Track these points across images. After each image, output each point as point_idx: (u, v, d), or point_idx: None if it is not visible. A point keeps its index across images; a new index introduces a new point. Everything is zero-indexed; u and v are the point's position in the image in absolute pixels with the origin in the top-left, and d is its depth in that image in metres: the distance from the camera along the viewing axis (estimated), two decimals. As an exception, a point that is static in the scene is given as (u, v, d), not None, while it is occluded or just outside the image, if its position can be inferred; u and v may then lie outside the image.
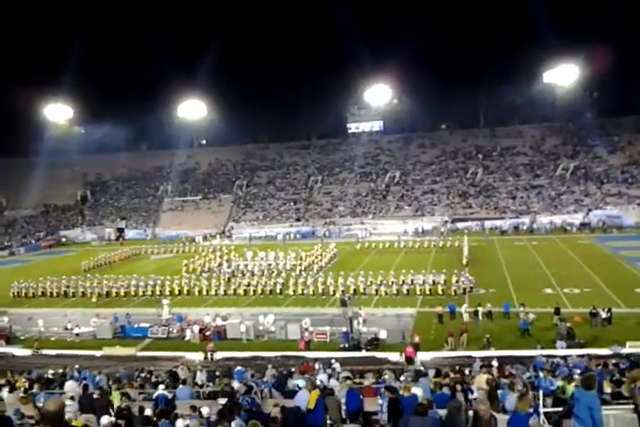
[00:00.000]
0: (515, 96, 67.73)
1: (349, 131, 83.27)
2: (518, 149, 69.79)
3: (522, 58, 64.19)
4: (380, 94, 77.08)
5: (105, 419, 8.19)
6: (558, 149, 67.76)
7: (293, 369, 17.65)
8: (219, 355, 23.49)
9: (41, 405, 8.43)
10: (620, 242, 44.46)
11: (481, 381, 12.68)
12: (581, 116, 69.21)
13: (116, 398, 11.43)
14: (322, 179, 72.80)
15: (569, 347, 21.44)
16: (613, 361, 16.69)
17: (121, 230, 67.80)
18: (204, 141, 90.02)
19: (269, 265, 39.70)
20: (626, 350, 20.28)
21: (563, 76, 69.98)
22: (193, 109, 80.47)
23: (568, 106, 68.59)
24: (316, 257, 41.59)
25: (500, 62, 67.01)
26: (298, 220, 64.06)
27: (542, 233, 51.58)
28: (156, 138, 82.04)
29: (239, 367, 18.33)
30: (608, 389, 10.47)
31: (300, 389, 10.91)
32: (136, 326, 27.35)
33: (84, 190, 79.32)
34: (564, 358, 18.64)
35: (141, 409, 9.92)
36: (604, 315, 24.45)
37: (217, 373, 17.81)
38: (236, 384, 13.49)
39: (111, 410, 10.10)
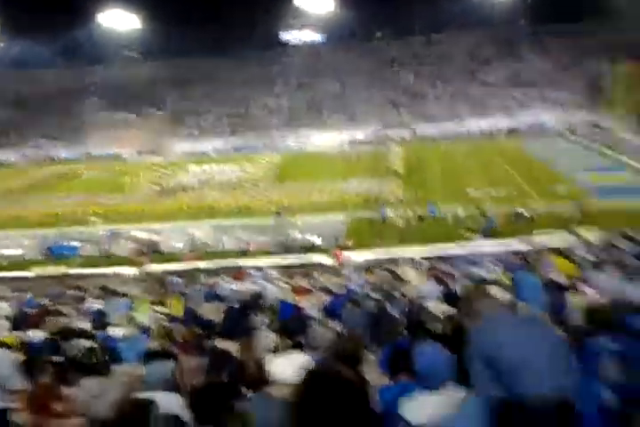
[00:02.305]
0: (449, 2, 66.37)
1: (285, 41, 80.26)
2: (452, 56, 69.32)
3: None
4: (318, 2, 73.92)
5: (36, 333, 8.05)
6: (490, 56, 67.72)
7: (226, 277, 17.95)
8: (154, 268, 23.59)
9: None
10: (543, 144, 45.72)
11: (407, 272, 13.32)
12: (515, 23, 68.97)
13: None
14: (256, 92, 70.76)
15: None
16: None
17: (48, 150, 64.85)
18: (131, 54, 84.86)
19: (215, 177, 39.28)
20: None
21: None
22: (119, 21, 74.97)
23: (503, 12, 67.86)
24: (268, 168, 41.67)
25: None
26: (233, 134, 62.84)
27: (469, 138, 52.43)
28: (81, 51, 76.64)
29: (176, 278, 18.53)
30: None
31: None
32: (66, 244, 26.91)
33: (5, 110, 74.43)
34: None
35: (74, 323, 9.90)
36: (526, 214, 25.73)
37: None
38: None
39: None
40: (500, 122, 55.32)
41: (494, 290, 3.79)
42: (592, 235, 18.60)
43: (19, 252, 26.87)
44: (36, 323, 10.08)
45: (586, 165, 35.94)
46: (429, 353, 3.07)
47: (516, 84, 61.70)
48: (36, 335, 8.15)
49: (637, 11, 54.57)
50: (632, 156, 36.58)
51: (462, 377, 2.63)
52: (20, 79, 75.28)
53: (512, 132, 53.31)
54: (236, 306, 9.30)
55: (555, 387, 1.90)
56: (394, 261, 21.11)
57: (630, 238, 14.06)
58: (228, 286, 14.00)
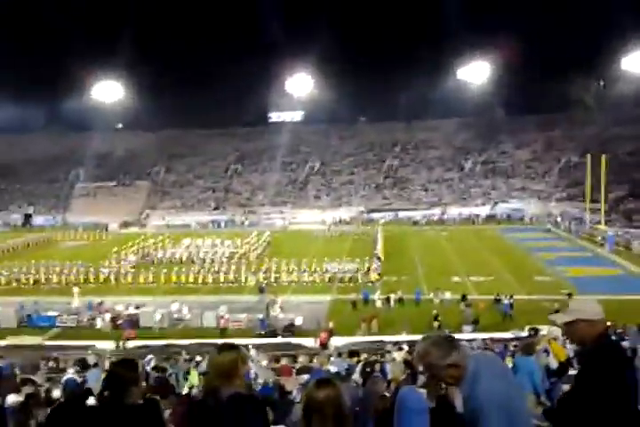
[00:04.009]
0: (430, 91, 69.78)
1: (270, 120, 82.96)
2: (432, 143, 72.24)
3: (437, 53, 66.35)
4: (301, 84, 77.14)
5: (11, 397, 8.01)
6: (469, 144, 70.77)
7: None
8: (130, 344, 23.11)
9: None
10: (522, 233, 47.29)
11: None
12: (491, 113, 72.25)
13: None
14: (242, 167, 72.35)
15: (473, 331, 22.73)
16: (513, 343, 17.88)
17: (28, 216, 64.61)
18: (120, 125, 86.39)
19: (206, 253, 39.20)
20: (524, 334, 21.72)
21: (475, 73, 72.92)
22: (110, 91, 77.01)
23: (480, 102, 71.39)
24: (252, 245, 41.80)
25: (416, 57, 68.64)
26: (216, 208, 63.49)
27: (451, 224, 53.89)
28: (70, 120, 77.53)
29: (150, 356, 18.17)
30: (510, 364, 11.32)
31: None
32: (43, 314, 26.37)
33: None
34: (469, 341, 19.75)
35: (48, 391, 9.77)
36: (506, 302, 26.02)
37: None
38: (148, 368, 13.46)
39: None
40: (481, 210, 57.01)
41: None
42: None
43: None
44: (7, 389, 9.96)
45: (565, 256, 37.03)
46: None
47: (494, 173, 64.14)
48: (10, 400, 8.15)
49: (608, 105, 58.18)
50: (612, 249, 37.88)
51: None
52: (7, 144, 75.73)
53: (491, 219, 54.89)
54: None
55: None
56: (377, 344, 21.14)
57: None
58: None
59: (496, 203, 57.72)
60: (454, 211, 57.42)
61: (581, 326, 3.32)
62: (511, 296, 26.13)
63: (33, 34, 72.71)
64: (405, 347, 18.05)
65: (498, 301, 26.23)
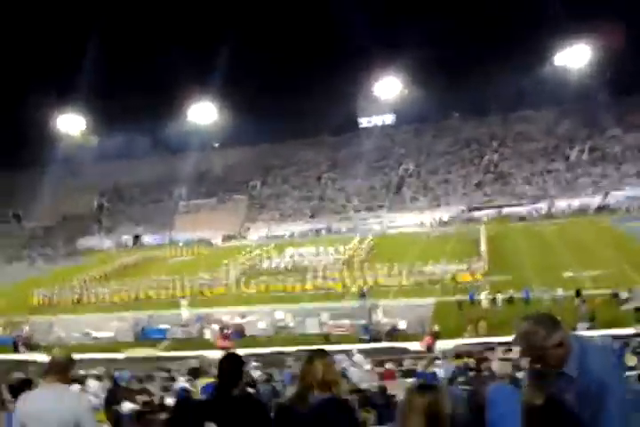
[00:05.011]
0: (526, 80, 66.70)
1: (361, 125, 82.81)
2: (532, 134, 68.98)
3: (531, 41, 63.31)
4: (389, 86, 76.45)
5: (126, 405, 8.22)
6: (572, 133, 66.83)
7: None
8: (240, 353, 23.42)
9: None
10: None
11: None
12: (594, 97, 67.77)
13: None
14: (335, 175, 72.64)
15: (590, 328, 21.07)
16: (638, 339, 16.36)
17: (137, 237, 68.22)
18: (216, 144, 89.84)
19: (310, 261, 39.55)
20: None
21: (574, 57, 68.91)
22: (204, 112, 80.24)
23: (581, 87, 67.26)
24: (355, 251, 41.74)
25: (508, 46, 65.85)
26: (312, 216, 63.99)
27: (560, 217, 50.84)
28: (169, 143, 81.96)
29: (254, 363, 18.31)
30: (631, 362, 10.24)
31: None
32: (155, 327, 27.49)
33: (101, 198, 79.97)
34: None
35: (162, 398, 9.95)
36: (625, 295, 24.03)
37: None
38: (255, 373, 13.49)
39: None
40: (591, 200, 53.41)
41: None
42: None
43: (110, 334, 27.61)
44: (126, 398, 10.24)
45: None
46: None
47: (603, 160, 60.08)
48: (126, 408, 8.37)
49: None
50: None
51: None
52: (115, 170, 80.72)
53: (603, 210, 51.26)
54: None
55: None
56: (485, 347, 20.09)
57: None
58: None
59: (608, 192, 53.80)
60: (562, 203, 54.10)
61: None
62: (630, 290, 24.08)
63: (133, 62, 77.23)
64: (515, 348, 17.03)
65: (616, 295, 24.27)
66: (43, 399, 3.99)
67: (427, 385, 2.61)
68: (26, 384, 6.03)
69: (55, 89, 70.80)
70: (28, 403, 4.04)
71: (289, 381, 13.47)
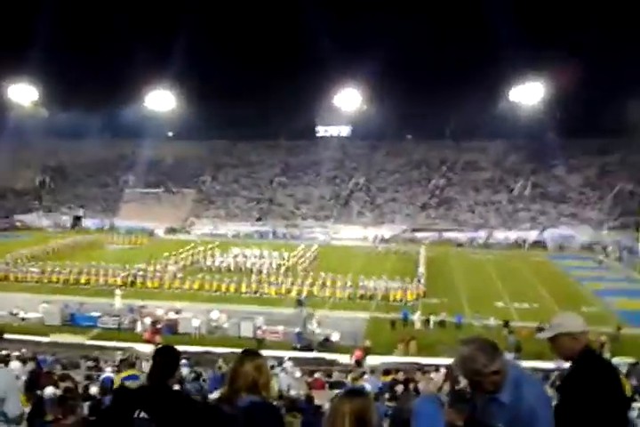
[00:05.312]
0: (481, 111, 68.79)
1: (318, 134, 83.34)
2: (480, 164, 71.25)
3: (491, 73, 65.29)
4: (350, 99, 77.08)
5: (49, 389, 8.14)
6: (518, 167, 69.47)
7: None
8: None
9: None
10: (571, 261, 45.94)
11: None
12: (543, 136, 70.60)
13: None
14: (286, 180, 72.88)
15: (516, 359, 21.99)
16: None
17: (78, 218, 66.44)
18: (170, 134, 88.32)
19: (253, 263, 39.52)
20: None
21: (528, 94, 71.41)
22: (162, 100, 78.83)
23: (531, 124, 69.57)
24: (300, 258, 42.00)
25: (468, 77, 67.84)
26: (259, 219, 63.97)
27: (497, 248, 52.75)
28: (122, 127, 79.73)
29: (183, 360, 18.26)
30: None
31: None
32: (86, 314, 26.90)
33: (44, 175, 77.36)
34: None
35: (86, 387, 9.90)
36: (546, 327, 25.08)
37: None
38: (184, 371, 13.54)
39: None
40: (527, 234, 55.64)
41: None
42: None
43: (38, 316, 26.84)
44: (48, 383, 10.14)
45: (614, 287, 35.73)
46: None
47: (544, 197, 62.70)
48: (49, 392, 8.33)
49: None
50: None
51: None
52: (62, 148, 78.39)
53: (538, 244, 53.52)
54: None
55: None
56: (413, 367, 20.69)
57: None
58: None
59: (545, 228, 56.22)
60: (500, 234, 56.17)
61: (564, 341, 3.28)
62: (548, 321, 25.18)
63: (93, 38, 75.19)
64: (443, 369, 17.64)
65: (541, 329, 25.39)
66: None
67: (355, 391, 2.72)
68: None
69: (10, 57, 68.19)
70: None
71: (218, 381, 13.59)
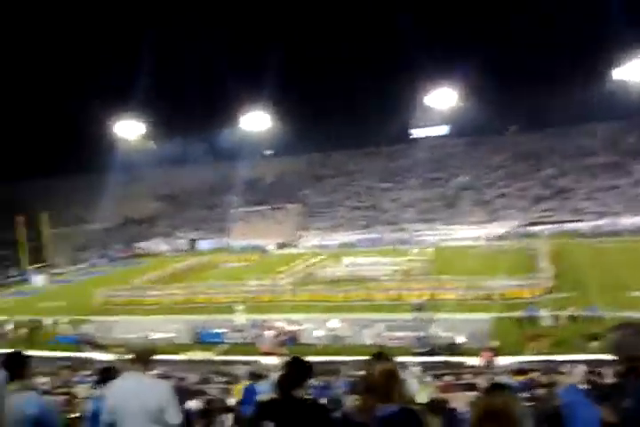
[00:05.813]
0: (587, 92, 64.69)
1: (413, 136, 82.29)
2: (593, 149, 67.01)
3: (594, 52, 61.52)
4: (444, 98, 75.43)
5: (193, 403, 8.39)
6: (635, 147, 64.60)
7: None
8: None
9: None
10: None
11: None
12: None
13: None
14: (388, 185, 72.34)
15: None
16: None
17: (193, 241, 69.60)
18: (269, 152, 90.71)
19: (367, 271, 39.31)
20: None
21: (633, 71, 66.48)
22: (257, 120, 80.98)
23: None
24: (413, 262, 41.53)
25: (568, 60, 64.39)
26: (366, 227, 63.80)
27: (625, 235, 49.01)
28: (222, 150, 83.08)
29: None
30: None
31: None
32: (212, 331, 27.83)
33: (157, 203, 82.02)
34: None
35: (222, 400, 10.10)
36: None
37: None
38: (313, 381, 13.45)
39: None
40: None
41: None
42: None
43: (168, 336, 28.04)
44: (191, 398, 10.40)
45: None
46: None
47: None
48: (192, 406, 8.52)
49: None
50: None
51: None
52: (170, 176, 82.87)
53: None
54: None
55: None
56: (547, 365, 19.50)
57: None
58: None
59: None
60: (627, 220, 52.13)
61: None
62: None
63: (189, 69, 79.10)
64: (581, 366, 16.43)
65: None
66: (128, 387, 4.18)
67: (500, 385, 2.58)
68: (110, 372, 6.23)
69: (114, 95, 73.12)
70: (115, 390, 4.24)
71: (348, 389, 13.39)
